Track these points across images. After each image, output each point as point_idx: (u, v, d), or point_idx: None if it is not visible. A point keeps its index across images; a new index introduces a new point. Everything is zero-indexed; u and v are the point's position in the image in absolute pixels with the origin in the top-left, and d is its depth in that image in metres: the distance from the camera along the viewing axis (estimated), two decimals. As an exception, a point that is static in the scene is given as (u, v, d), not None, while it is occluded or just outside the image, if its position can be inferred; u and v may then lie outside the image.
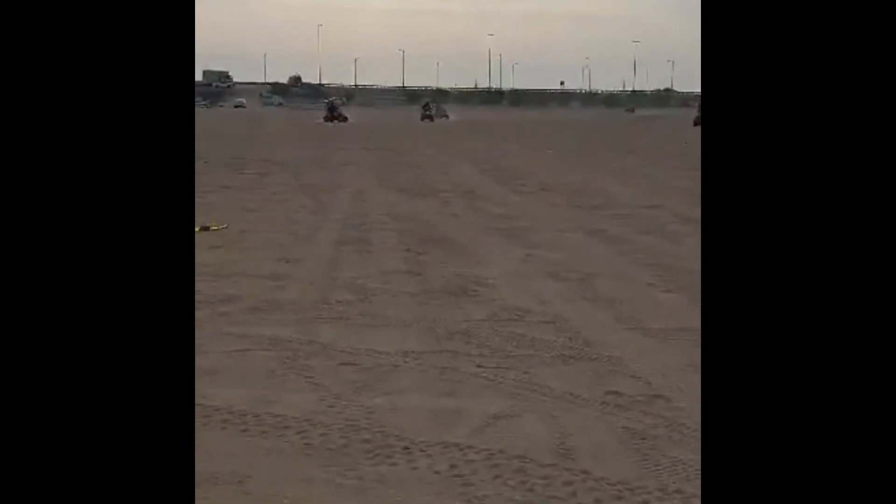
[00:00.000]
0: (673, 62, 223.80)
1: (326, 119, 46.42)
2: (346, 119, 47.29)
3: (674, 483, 2.83)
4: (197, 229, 8.04)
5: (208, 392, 3.63)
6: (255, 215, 9.23)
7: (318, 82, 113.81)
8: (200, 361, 4.04)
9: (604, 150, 22.01)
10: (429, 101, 57.49)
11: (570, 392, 3.73)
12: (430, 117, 52.05)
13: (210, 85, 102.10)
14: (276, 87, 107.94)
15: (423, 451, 3.06)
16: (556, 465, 2.95)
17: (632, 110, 52.39)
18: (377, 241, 7.66)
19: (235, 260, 6.64)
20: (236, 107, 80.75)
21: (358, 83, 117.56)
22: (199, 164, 14.20)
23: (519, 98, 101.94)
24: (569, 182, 13.36)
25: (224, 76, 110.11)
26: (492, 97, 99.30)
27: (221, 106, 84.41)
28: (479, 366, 4.08)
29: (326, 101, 52.47)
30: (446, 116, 58.55)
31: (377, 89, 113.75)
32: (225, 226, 8.23)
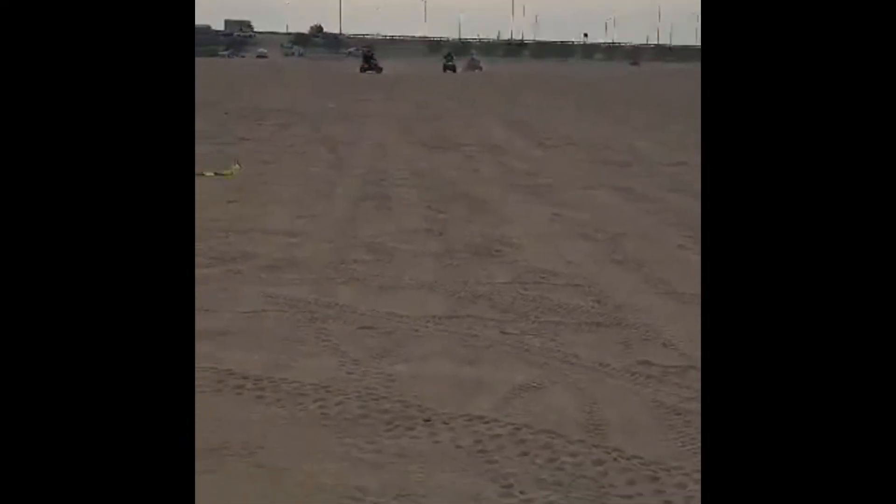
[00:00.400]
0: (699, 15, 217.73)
1: (363, 69, 45.71)
2: (380, 69, 46.43)
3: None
4: (209, 173, 7.97)
5: (221, 355, 3.50)
6: (273, 168, 9.06)
7: (338, 32, 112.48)
8: (213, 323, 3.92)
9: (626, 104, 21.51)
10: (451, 52, 57.41)
11: (600, 361, 3.55)
12: (453, 68, 51.86)
13: (231, 34, 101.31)
14: (297, 38, 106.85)
15: (445, 423, 2.91)
16: (586, 442, 2.79)
17: (636, 63, 52.68)
18: (397, 197, 7.47)
19: (251, 215, 6.48)
20: (258, 57, 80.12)
21: (379, 33, 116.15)
22: (219, 116, 14.02)
23: (542, 50, 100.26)
24: (593, 136, 13.03)
25: (245, 25, 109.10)
26: (514, 49, 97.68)
27: (243, 56, 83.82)
28: (503, 332, 3.91)
29: (358, 50, 55.60)
30: (479, 68, 57.59)
31: (398, 39, 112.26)
32: (235, 167, 8.13)
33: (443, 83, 32.91)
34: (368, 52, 49.78)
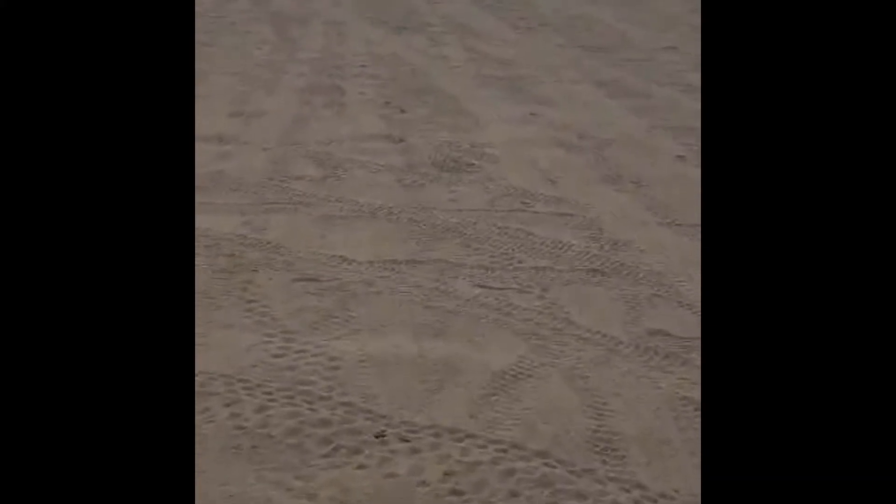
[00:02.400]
0: None
1: None
2: None
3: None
4: None
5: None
6: (207, 52, 7.91)
7: None
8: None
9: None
10: None
11: (601, 332, 2.82)
12: None
13: None
14: None
15: (404, 439, 2.18)
16: (595, 472, 2.08)
17: None
18: (352, 90, 6.48)
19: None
20: None
21: None
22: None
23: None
24: (571, 14, 11.89)
25: None
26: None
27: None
28: (479, 285, 3.14)
29: None
30: None
31: None
32: None
33: None
34: None
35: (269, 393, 2.37)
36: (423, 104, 6.12)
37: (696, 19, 11.80)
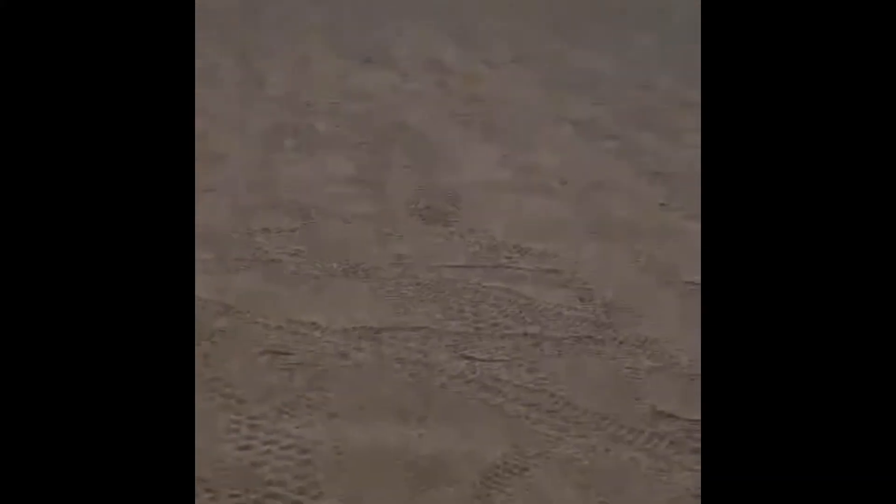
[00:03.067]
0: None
1: None
2: None
3: None
4: None
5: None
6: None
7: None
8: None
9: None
10: None
11: (599, 413, 2.59)
12: None
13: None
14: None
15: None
16: None
17: None
18: (322, 129, 6.23)
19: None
20: None
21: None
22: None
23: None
24: (543, 50, 11.81)
25: None
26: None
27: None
28: (463, 356, 2.90)
29: None
30: None
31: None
32: None
33: None
34: None
35: (237, 496, 2.09)
36: (395, 144, 5.90)
37: (671, 53, 11.79)
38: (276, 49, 10.47)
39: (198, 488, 2.12)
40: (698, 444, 2.43)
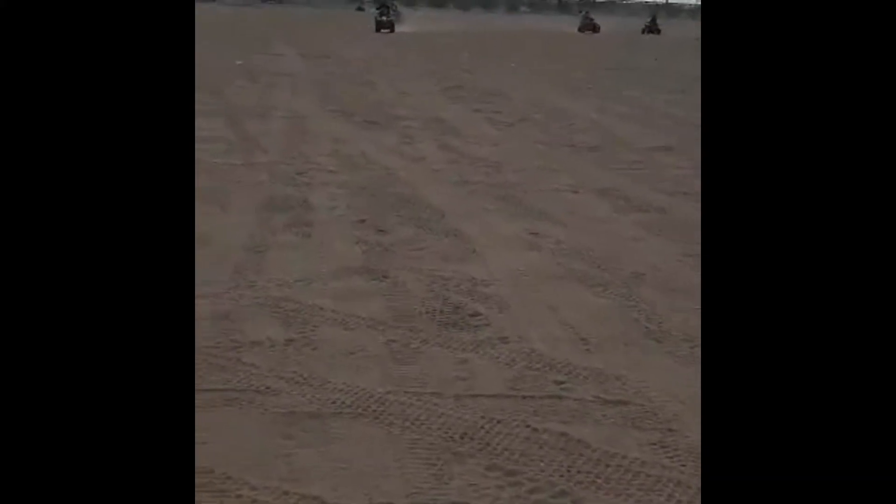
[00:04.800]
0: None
1: (382, 26, 31.66)
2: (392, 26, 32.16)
3: None
4: None
5: None
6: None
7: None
8: None
9: (568, 63, 19.62)
10: (385, 2, 33.33)
11: None
12: (389, 26, 31.91)
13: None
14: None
15: None
16: None
17: (592, 28, 41.69)
18: (319, 204, 5.44)
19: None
20: None
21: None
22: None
23: (467, 2, 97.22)
24: (548, 108, 11.15)
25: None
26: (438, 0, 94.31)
27: None
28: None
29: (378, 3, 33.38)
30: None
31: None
32: None
33: (367, 36, 29.95)
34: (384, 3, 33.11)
35: None
36: (404, 221, 5.11)
37: (676, 112, 11.16)
38: (269, 111, 9.72)
39: None
40: None
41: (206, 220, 4.91)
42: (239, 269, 4.06)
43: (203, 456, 2.40)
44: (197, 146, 7.36)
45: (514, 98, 11.92)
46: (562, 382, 2.97)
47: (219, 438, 2.51)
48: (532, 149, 7.96)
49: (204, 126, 8.25)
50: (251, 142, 7.55)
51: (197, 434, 2.56)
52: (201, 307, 3.56)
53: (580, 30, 39.35)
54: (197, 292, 3.78)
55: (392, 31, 31.83)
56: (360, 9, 51.21)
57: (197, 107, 9.83)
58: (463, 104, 11.12)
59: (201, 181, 5.91)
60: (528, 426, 2.65)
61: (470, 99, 11.64)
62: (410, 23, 35.27)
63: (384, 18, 32.26)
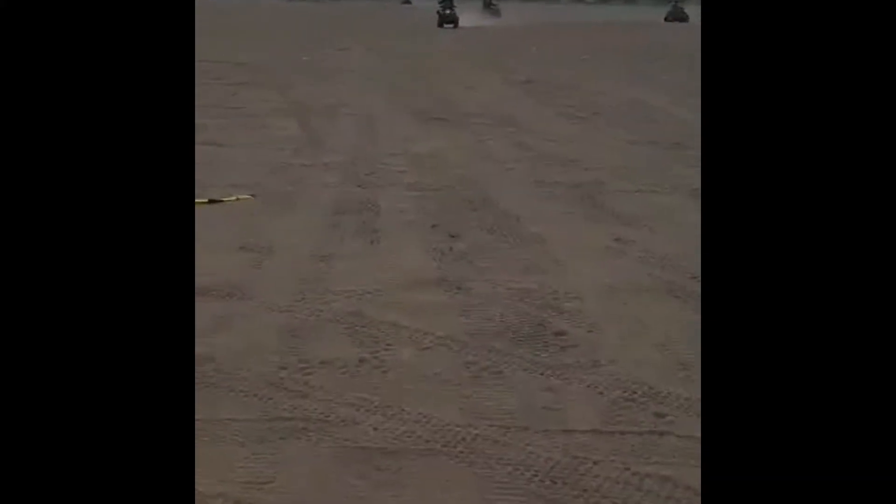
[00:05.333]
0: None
1: (444, 20, 27.95)
2: (456, 23, 28.00)
3: None
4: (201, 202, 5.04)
5: None
6: (216, 154, 6.69)
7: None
8: None
9: (632, 52, 18.96)
10: None
11: None
12: (453, 20, 28.04)
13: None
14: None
15: None
16: None
17: (681, 17, 38.24)
18: (388, 207, 5.20)
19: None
20: None
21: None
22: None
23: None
24: (622, 101, 10.70)
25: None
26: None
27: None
28: None
29: None
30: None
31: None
32: (247, 196, 5.34)
33: (433, 23, 29.52)
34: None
35: None
36: (477, 226, 4.82)
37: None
38: (336, 108, 9.55)
39: None
40: None
41: (271, 224, 4.73)
42: (306, 279, 3.84)
43: (272, 498, 2.17)
44: (266, 145, 7.27)
45: (586, 91, 11.49)
46: (663, 416, 2.65)
47: (288, 477, 2.28)
48: (610, 145, 7.57)
49: (273, 125, 8.14)
50: (320, 141, 7.38)
51: (264, 469, 2.36)
52: (268, 321, 3.36)
53: (666, 19, 37.48)
54: (263, 304, 3.60)
55: (456, 26, 28.01)
56: (406, 1, 49.60)
57: (267, 105, 9.79)
58: (534, 98, 10.76)
59: (269, 182, 5.76)
60: (628, 469, 2.34)
61: (541, 93, 11.26)
62: (475, 17, 31.93)
63: (447, 12, 28.34)
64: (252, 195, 5.37)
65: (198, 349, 3.04)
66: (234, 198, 5.30)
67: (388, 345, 3.15)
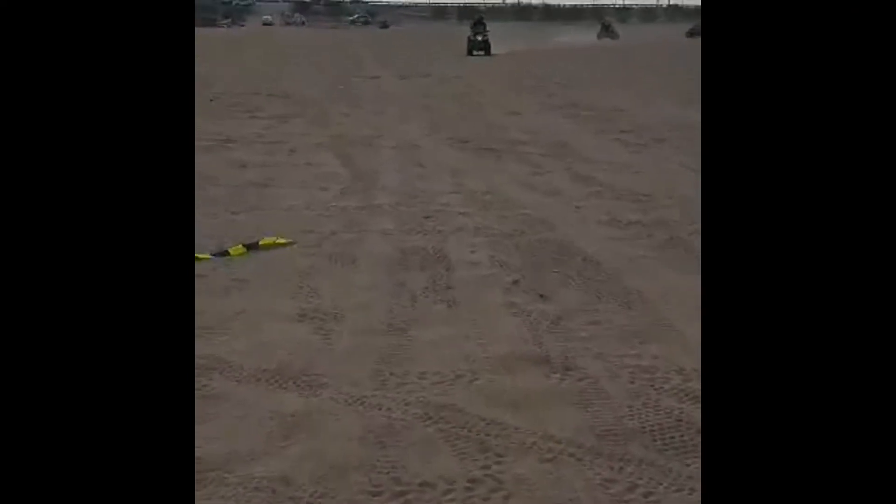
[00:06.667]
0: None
1: (473, 47, 25.92)
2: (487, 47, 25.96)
3: None
4: (239, 250, 4.58)
5: None
6: (262, 195, 6.10)
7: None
8: None
9: (677, 70, 18.31)
10: (482, 18, 27.66)
11: None
12: (485, 47, 25.77)
13: (230, 2, 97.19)
14: (298, 6, 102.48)
15: None
16: None
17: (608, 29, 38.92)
18: (458, 258, 4.57)
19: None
20: (265, 24, 73.25)
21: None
22: (203, 103, 10.86)
23: (551, 14, 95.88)
24: (677, 121, 10.05)
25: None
26: (523, 12, 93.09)
27: (243, 25, 79.64)
28: None
29: (362, 17, 27.59)
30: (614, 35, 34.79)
31: (400, 5, 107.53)
32: (289, 241, 4.80)
33: (462, 48, 28.91)
34: (480, 20, 27.10)
35: None
36: (566, 281, 4.17)
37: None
38: (374, 139, 8.95)
39: None
40: None
41: (333, 284, 4.11)
42: (383, 358, 3.21)
43: None
44: (310, 186, 6.65)
45: (637, 115, 10.85)
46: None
47: None
48: (679, 174, 6.91)
49: (315, 161, 7.56)
50: (366, 178, 6.77)
51: None
52: (346, 417, 2.74)
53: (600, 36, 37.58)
54: (339, 395, 2.98)
55: (488, 53, 25.37)
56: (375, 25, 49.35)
57: (305, 139, 9.14)
58: (581, 124, 10.14)
59: (323, 227, 5.16)
60: None
61: (587, 118, 10.64)
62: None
63: (479, 38, 25.75)
64: (292, 241, 4.79)
65: (272, 465, 2.42)
66: (272, 240, 4.73)
67: (498, 455, 2.51)
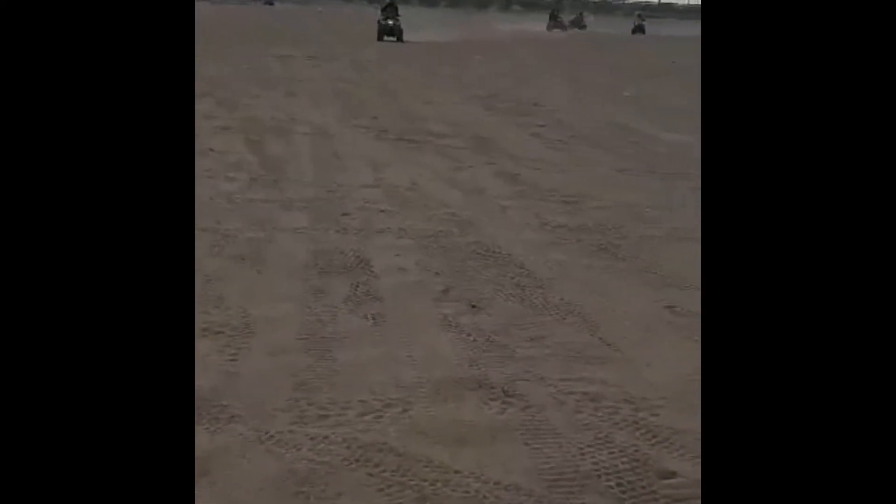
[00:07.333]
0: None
1: (383, 33, 24.30)
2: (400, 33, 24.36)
3: None
4: None
5: None
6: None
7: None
8: None
9: (588, 63, 18.35)
10: (393, 1, 25.02)
11: None
12: (396, 33, 24.30)
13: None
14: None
15: None
16: None
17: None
18: (382, 264, 4.18)
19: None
20: (266, 3, 56.66)
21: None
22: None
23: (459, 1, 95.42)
24: (596, 121, 9.92)
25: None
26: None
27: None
28: None
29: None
30: (582, 26, 38.10)
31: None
32: None
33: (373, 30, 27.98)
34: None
35: None
36: (498, 289, 3.86)
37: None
38: (288, 126, 8.40)
39: None
40: None
41: (240, 291, 3.65)
42: (301, 384, 2.81)
43: None
44: (215, 175, 6.04)
45: (551, 108, 10.68)
46: None
47: None
48: (606, 176, 6.73)
49: (220, 147, 6.95)
50: (277, 169, 6.27)
51: None
52: (258, 459, 2.33)
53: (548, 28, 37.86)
54: (249, 430, 2.57)
55: (399, 39, 23.94)
56: (269, 3, 49.52)
57: (211, 122, 8.44)
58: (500, 116, 9.88)
59: (227, 224, 4.66)
60: None
61: (506, 111, 10.39)
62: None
63: (390, 23, 24.29)
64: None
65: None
66: None
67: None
